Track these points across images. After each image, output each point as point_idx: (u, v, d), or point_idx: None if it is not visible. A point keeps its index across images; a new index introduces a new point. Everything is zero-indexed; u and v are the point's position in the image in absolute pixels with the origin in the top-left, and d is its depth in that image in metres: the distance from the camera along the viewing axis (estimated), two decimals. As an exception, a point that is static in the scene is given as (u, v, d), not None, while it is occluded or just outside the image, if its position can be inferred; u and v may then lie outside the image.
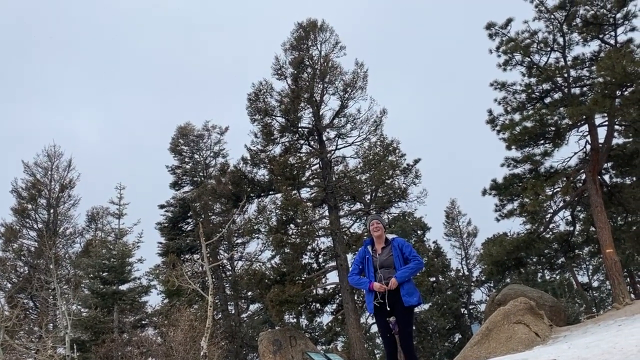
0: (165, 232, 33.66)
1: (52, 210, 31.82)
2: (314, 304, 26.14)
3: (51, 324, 24.56)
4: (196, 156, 35.22)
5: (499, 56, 22.00)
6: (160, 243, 33.34)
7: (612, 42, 20.73)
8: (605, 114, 20.02)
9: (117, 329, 24.40)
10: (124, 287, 26.92)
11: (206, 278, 17.47)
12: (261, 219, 25.18)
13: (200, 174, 34.83)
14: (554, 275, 34.25)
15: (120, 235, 29.11)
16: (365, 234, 24.24)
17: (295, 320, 32.20)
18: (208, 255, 19.42)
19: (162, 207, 34.35)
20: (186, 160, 35.22)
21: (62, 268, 29.29)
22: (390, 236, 5.83)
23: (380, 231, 5.77)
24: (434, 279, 34.97)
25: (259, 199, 26.39)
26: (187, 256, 32.35)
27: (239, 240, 33.50)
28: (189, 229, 33.93)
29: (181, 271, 17.10)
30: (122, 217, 30.01)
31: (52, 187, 32.21)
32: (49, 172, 32.24)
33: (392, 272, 5.53)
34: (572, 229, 25.19)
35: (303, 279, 23.63)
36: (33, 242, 30.77)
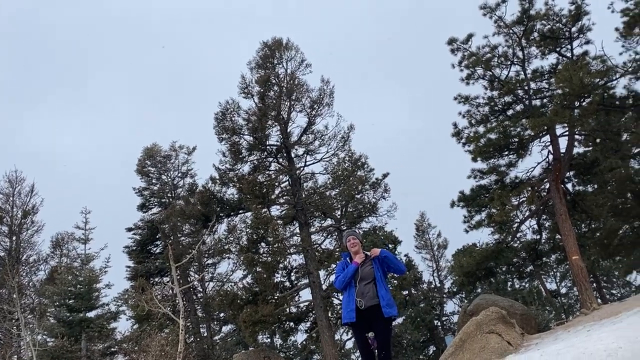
0: (133, 255, 32.94)
1: (14, 238, 30.83)
2: (287, 322, 25.89)
3: (15, 356, 23.64)
4: (164, 177, 34.73)
5: (462, 70, 22.48)
6: (129, 267, 32.62)
7: (569, 54, 21.42)
8: (566, 124, 20.59)
9: (85, 357, 23.65)
10: (91, 314, 26.19)
11: (177, 301, 17.13)
12: (231, 238, 24.96)
13: (168, 195, 34.33)
14: (524, 284, 34.84)
15: (86, 261, 28.39)
16: (337, 249, 24.23)
17: (269, 340, 31.79)
18: (178, 277, 19.05)
19: (129, 229, 33.67)
20: (153, 181, 34.68)
21: (26, 297, 28.27)
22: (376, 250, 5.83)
23: (357, 246, 5.78)
24: (407, 292, 35.09)
25: (229, 219, 26.18)
26: (156, 279, 31.70)
27: (210, 261, 33.05)
28: (157, 251, 33.29)
29: (151, 295, 16.72)
30: (88, 242, 29.33)
31: (14, 213, 31.26)
32: (11, 198, 31.32)
33: (370, 286, 5.53)
34: (538, 237, 25.69)
35: (276, 297, 23.41)
36: (-6, 271, 29.68)
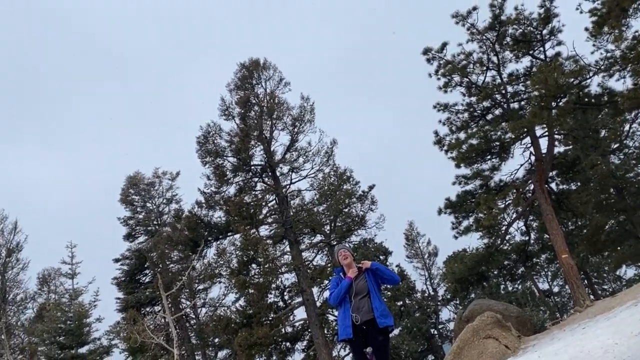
0: (122, 286, 32.44)
1: (-1, 277, 30.23)
2: (283, 343, 25.60)
3: (7, 399, 23.03)
4: (148, 205, 34.39)
5: (439, 79, 22.72)
6: (119, 298, 32.08)
7: (542, 56, 21.78)
8: (545, 125, 20.87)
9: (79, 395, 23.12)
10: (83, 350, 25.59)
11: (170, 330, 16.88)
12: (221, 262, 24.75)
13: (154, 222, 33.97)
14: (516, 286, 34.96)
15: (75, 296, 27.84)
16: (329, 265, 24.13)
17: (266, 362, 31.40)
18: (169, 305, 18.79)
19: (117, 260, 33.16)
20: (138, 209, 34.31)
21: (14, 337, 27.67)
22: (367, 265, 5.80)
23: (349, 259, 5.75)
24: (401, 302, 34.99)
25: (218, 242, 25.98)
26: (147, 309, 31.19)
27: (201, 287, 32.64)
28: (147, 280, 32.84)
29: (143, 326, 16.45)
30: (76, 277, 28.76)
31: (-2, 252, 30.67)
32: (-6, 237, 30.73)
33: (365, 300, 5.49)
34: (527, 238, 25.87)
35: (270, 319, 23.19)
36: (-19, 312, 29.03)
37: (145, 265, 32.85)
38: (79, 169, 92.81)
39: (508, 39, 21.97)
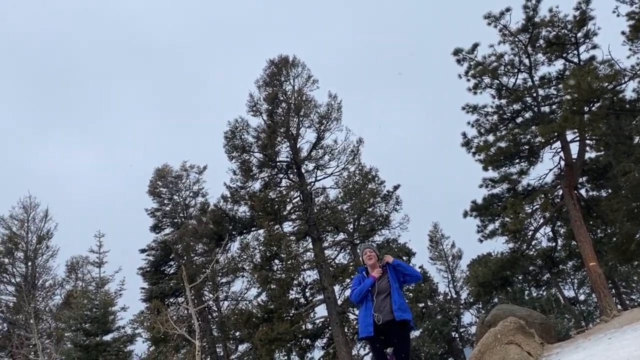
0: (147, 276, 33.00)
1: (29, 263, 31.02)
2: (303, 340, 25.72)
3: (33, 382, 23.67)
4: (175, 197, 34.87)
5: (469, 80, 22.47)
6: (143, 288, 32.64)
7: (576, 60, 21.36)
8: (576, 130, 20.47)
9: (103, 381, 23.62)
10: (108, 338, 26.13)
11: (192, 321, 17.11)
12: (245, 256, 24.96)
13: (181, 215, 34.44)
14: (541, 292, 34.41)
15: (101, 284, 28.44)
16: (351, 263, 24.14)
17: (285, 358, 31.53)
18: (193, 297, 19.08)
19: (143, 251, 33.76)
20: (165, 202, 34.83)
21: (42, 322, 28.41)
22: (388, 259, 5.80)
23: (373, 260, 5.75)
24: (423, 304, 34.80)
25: (242, 237, 26.18)
26: (171, 300, 31.68)
27: (224, 280, 32.98)
28: (171, 271, 33.33)
29: (166, 316, 16.74)
30: (103, 265, 29.40)
31: (29, 239, 31.48)
32: (25, 224, 31.54)
33: (387, 299, 5.49)
34: (554, 244, 25.43)
35: (291, 315, 23.32)
36: (11, 297, 29.88)
37: (171, 257, 33.34)
38: (114, 159, 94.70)
39: (541, 41, 21.60)
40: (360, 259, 5.95)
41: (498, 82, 22.30)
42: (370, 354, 27.22)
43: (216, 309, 33.46)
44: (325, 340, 26.25)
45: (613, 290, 30.53)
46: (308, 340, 25.98)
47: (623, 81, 19.71)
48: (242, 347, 33.11)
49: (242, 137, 25.79)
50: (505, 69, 22.20)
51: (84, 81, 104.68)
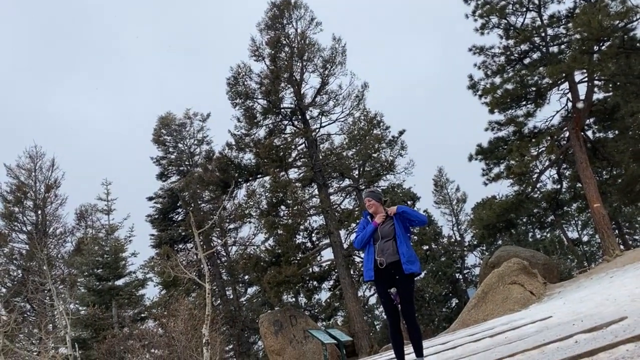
0: (156, 224, 33.55)
1: (39, 212, 31.51)
2: (311, 282, 26.34)
3: (50, 325, 24.48)
4: (180, 145, 34.93)
5: (476, 20, 21.95)
6: (152, 235, 33.27)
7: (587, -4, 20.72)
8: (585, 70, 20.11)
9: (117, 324, 24.46)
10: (120, 282, 26.92)
11: (202, 266, 17.48)
12: (251, 203, 25.18)
13: (186, 162, 34.60)
14: (545, 234, 34.77)
15: (111, 231, 29.00)
16: (357, 209, 24.36)
17: (294, 299, 32.44)
18: (201, 243, 19.36)
19: (150, 199, 34.18)
20: (170, 150, 34.93)
21: (55, 268, 29.13)
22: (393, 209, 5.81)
23: (374, 207, 5.75)
24: (427, 247, 35.28)
25: (248, 184, 26.34)
26: (180, 246, 32.32)
27: (231, 226, 33.52)
28: (179, 218, 33.84)
29: (176, 261, 17.06)
30: (112, 213, 29.94)
31: (38, 188, 31.85)
32: (33, 174, 31.84)
33: (390, 243, 5.54)
34: (559, 186, 25.49)
35: (298, 258, 23.76)
36: (24, 244, 30.54)
37: (178, 204, 33.77)
38: (124, 104, 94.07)
39: (551, -23, 20.91)
40: (364, 204, 5.97)
41: (506, 21, 21.76)
42: (376, 295, 27.94)
43: (225, 254, 34.17)
44: (332, 282, 26.88)
45: (616, 231, 30.83)
46: (315, 282, 26.62)
47: (635, 19, 19.19)
48: (251, 290, 34.07)
49: (245, 83, 25.48)
50: (514, 8, 21.61)
51: (88, 28, 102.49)
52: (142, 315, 27.21)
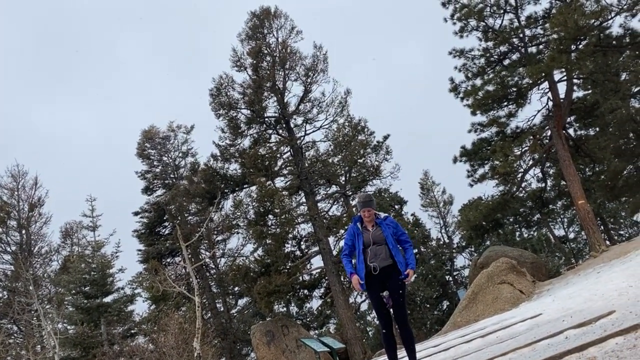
0: (143, 238, 33.21)
1: (23, 231, 31.01)
2: (301, 290, 26.20)
3: (38, 346, 24.12)
4: (165, 158, 34.70)
5: (454, 23, 22.16)
6: (140, 250, 32.91)
7: (562, -3, 21.03)
8: (563, 69, 20.37)
9: (106, 341, 24.11)
10: (108, 299, 26.57)
11: (190, 279, 17.34)
12: (238, 213, 25.07)
13: (171, 175, 34.36)
14: (532, 232, 35.09)
15: (97, 248, 28.66)
16: (344, 215, 24.36)
17: (285, 309, 32.29)
18: (189, 256, 19.27)
19: (136, 214, 33.83)
20: (155, 163, 34.66)
21: (42, 288, 28.66)
22: (382, 215, 5.81)
23: (372, 217, 5.74)
24: (416, 250, 35.40)
25: (234, 194, 26.23)
26: (168, 260, 32.02)
27: (219, 238, 33.30)
28: (166, 232, 33.53)
29: (164, 276, 16.93)
30: (97, 229, 29.60)
31: (21, 207, 31.36)
32: (16, 193, 31.34)
33: (383, 248, 5.53)
34: (543, 185, 25.75)
35: (288, 267, 23.65)
36: (8, 265, 30.03)
37: (164, 218, 33.48)
38: (109, 118, 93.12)
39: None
40: (358, 208, 5.88)
41: (484, 24, 21.99)
42: (368, 300, 27.90)
43: (214, 266, 33.91)
44: (322, 289, 26.77)
45: (602, 227, 31.17)
46: (306, 291, 26.48)
47: (609, 17, 19.52)
48: (241, 301, 33.84)
49: (228, 93, 25.43)
50: (492, 10, 21.86)
51: (85, 40, 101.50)
52: (132, 331, 26.87)
